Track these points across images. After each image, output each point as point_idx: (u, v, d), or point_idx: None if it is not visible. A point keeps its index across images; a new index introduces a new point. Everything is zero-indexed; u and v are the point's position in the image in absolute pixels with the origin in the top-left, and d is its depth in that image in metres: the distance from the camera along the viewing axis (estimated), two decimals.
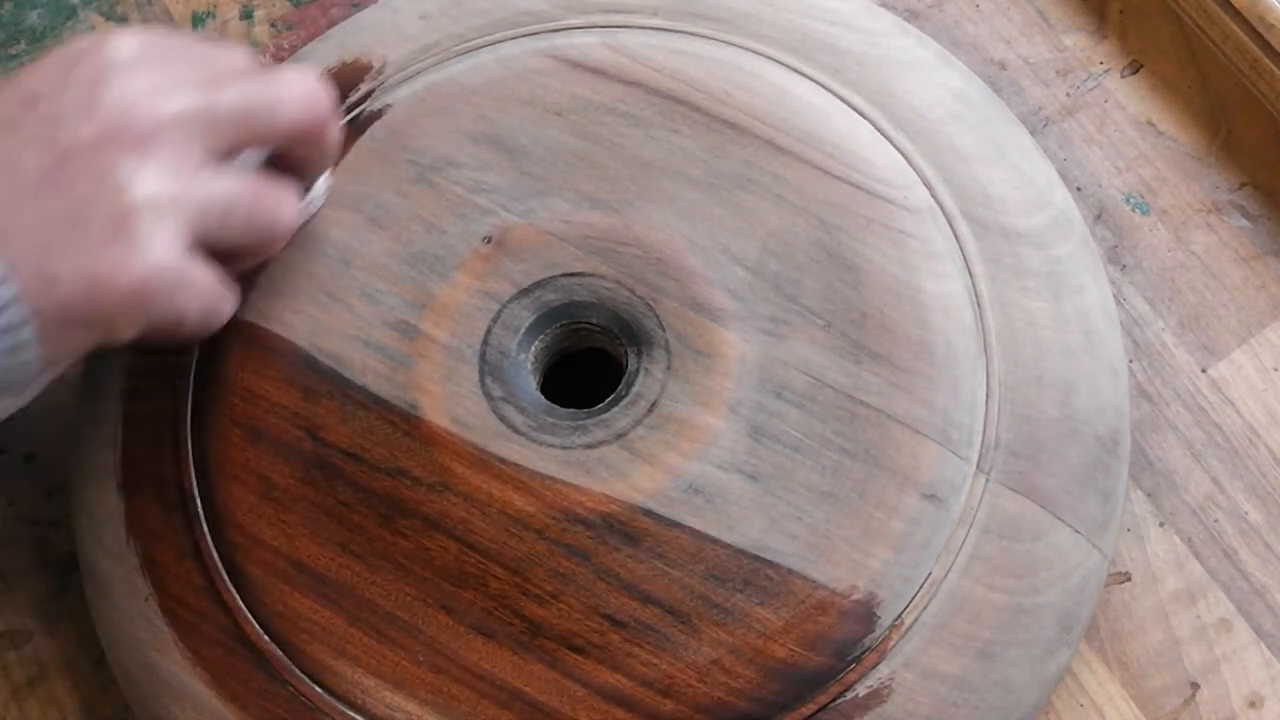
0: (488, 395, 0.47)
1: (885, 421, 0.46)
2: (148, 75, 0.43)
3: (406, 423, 0.47)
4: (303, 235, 0.49)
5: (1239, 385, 0.52)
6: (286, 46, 0.60)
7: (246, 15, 0.61)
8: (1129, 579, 0.49)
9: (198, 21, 0.61)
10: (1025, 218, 0.49)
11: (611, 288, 0.48)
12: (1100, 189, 0.55)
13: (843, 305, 0.47)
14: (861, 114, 0.50)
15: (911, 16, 0.58)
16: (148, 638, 0.47)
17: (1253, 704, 0.48)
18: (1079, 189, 0.55)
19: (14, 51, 0.61)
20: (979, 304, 0.47)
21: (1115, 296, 0.52)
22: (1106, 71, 0.57)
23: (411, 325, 0.48)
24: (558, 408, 0.47)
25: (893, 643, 0.44)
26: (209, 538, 0.47)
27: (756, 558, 0.44)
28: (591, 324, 0.48)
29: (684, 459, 0.45)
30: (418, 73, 0.52)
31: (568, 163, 0.50)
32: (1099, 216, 0.55)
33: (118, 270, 0.41)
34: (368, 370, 0.47)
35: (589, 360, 0.50)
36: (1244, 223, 0.54)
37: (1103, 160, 0.56)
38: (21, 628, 0.52)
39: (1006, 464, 0.46)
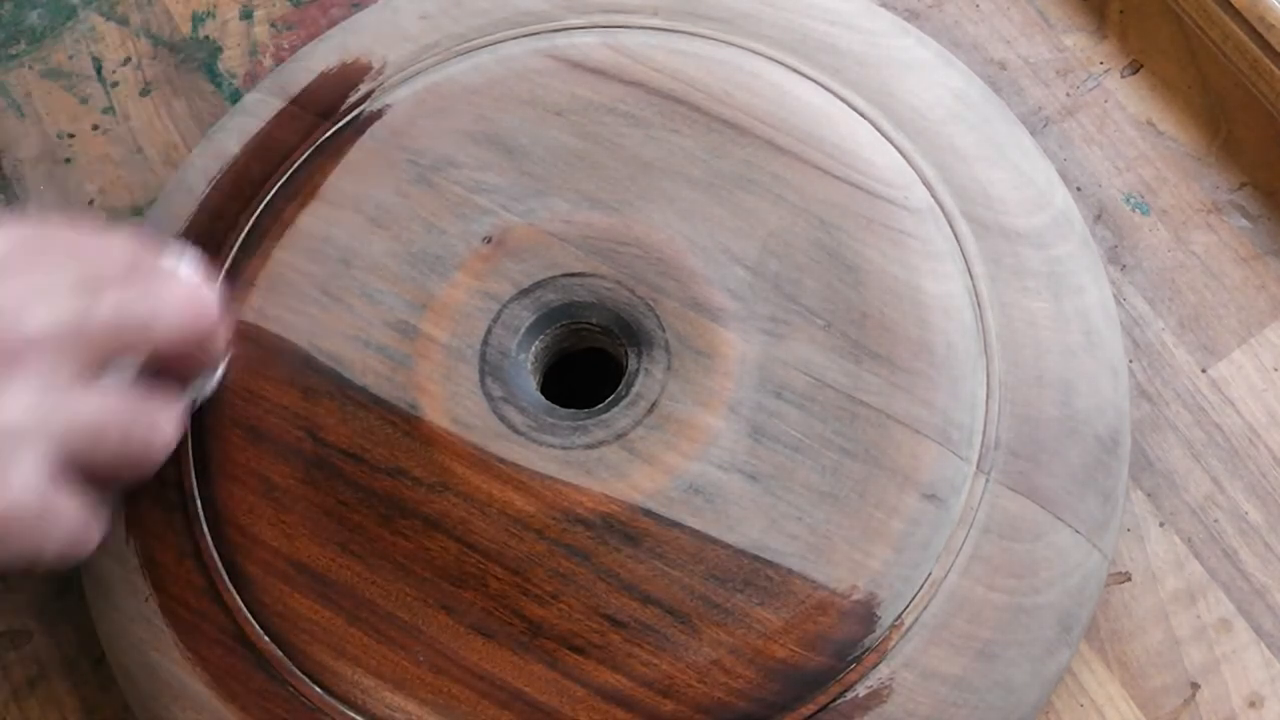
0: (488, 395, 0.47)
1: (885, 421, 0.46)
2: (17, 283, 0.40)
3: (406, 423, 0.47)
4: (302, 235, 0.49)
5: (1239, 385, 0.52)
6: (286, 46, 0.60)
7: (246, 15, 0.61)
8: (1129, 579, 0.49)
9: (198, 21, 0.61)
10: (1025, 218, 0.49)
11: (611, 288, 0.48)
12: (1100, 189, 0.55)
13: (843, 305, 0.47)
14: (861, 114, 0.50)
15: (911, 16, 0.58)
16: (148, 637, 0.47)
17: (1253, 704, 0.48)
18: (1079, 189, 0.55)
19: (14, 51, 0.61)
20: (979, 304, 0.47)
21: (1115, 296, 0.52)
22: (1106, 71, 0.57)
23: (411, 325, 0.48)
24: (558, 408, 0.47)
25: (893, 643, 0.44)
26: (209, 538, 0.47)
27: (756, 558, 0.44)
28: (591, 324, 0.48)
29: (684, 459, 0.46)
30: (418, 73, 0.52)
31: (568, 163, 0.50)
32: (1099, 216, 0.54)
33: None
34: (368, 370, 0.48)
35: (589, 360, 0.50)
36: (1244, 223, 0.54)
37: (1103, 160, 0.56)
38: (21, 628, 0.52)
39: (1006, 464, 0.46)
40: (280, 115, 0.53)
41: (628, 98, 0.50)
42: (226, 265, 0.50)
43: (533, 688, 0.44)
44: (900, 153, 0.49)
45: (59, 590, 0.52)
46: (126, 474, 0.45)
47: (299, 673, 0.45)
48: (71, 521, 0.42)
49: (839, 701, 0.44)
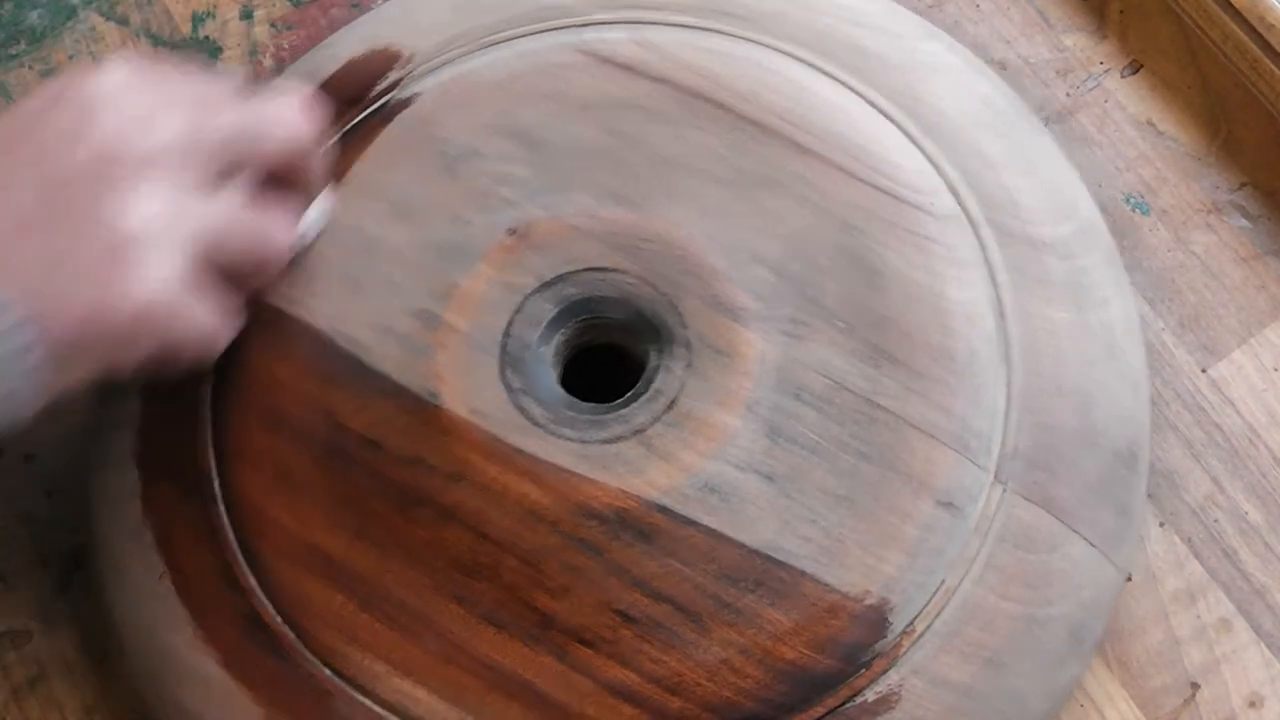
0: (507, 387, 0.47)
1: (903, 427, 0.46)
2: (136, 104, 0.43)
3: (425, 411, 0.47)
4: (327, 222, 0.49)
5: (1239, 385, 0.52)
6: (286, 47, 0.60)
7: (246, 15, 0.61)
8: (1129, 579, 0.49)
9: (198, 21, 0.60)
10: (1051, 227, 0.49)
11: (634, 283, 0.48)
12: (1100, 189, 0.55)
13: (864, 309, 0.47)
14: (888, 117, 0.50)
15: None
16: (161, 616, 0.47)
17: (1253, 704, 0.48)
18: None
19: (14, 51, 0.61)
20: (1001, 312, 0.47)
21: None
22: (1106, 71, 0.57)
23: (433, 314, 0.48)
24: (577, 401, 0.47)
25: (904, 649, 0.44)
26: (225, 519, 0.47)
27: (769, 558, 0.44)
28: (613, 319, 0.48)
29: (700, 457, 0.46)
30: (446, 63, 0.52)
31: (592, 157, 0.50)
32: None
33: (117, 300, 0.41)
34: (388, 358, 0.48)
35: (609, 355, 0.50)
36: (1244, 223, 0.54)
37: (1103, 160, 0.55)
38: (21, 628, 0.52)
39: (1023, 474, 0.46)
40: None
41: (654, 94, 0.50)
42: None
43: (541, 680, 0.44)
44: (927, 158, 0.49)
45: (59, 590, 0.52)
46: (248, 278, 0.47)
47: (310, 655, 0.45)
48: (203, 320, 0.44)
49: (847, 705, 0.44)
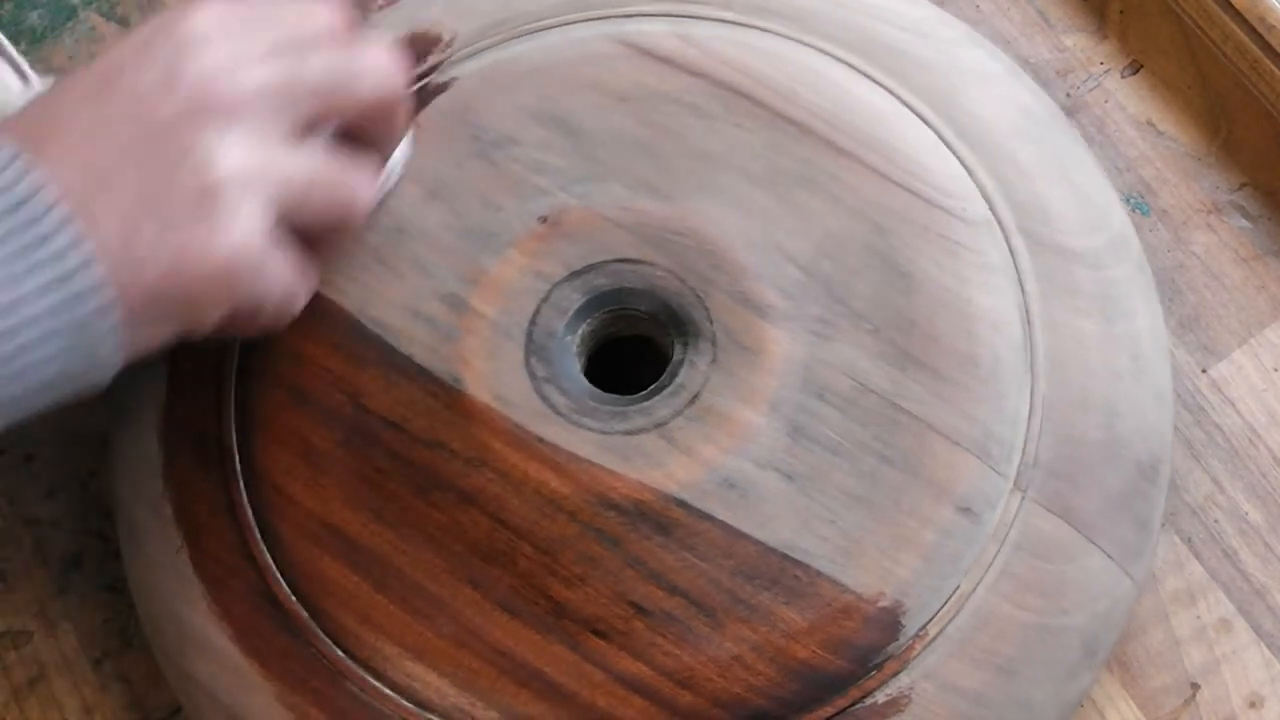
0: (531, 375, 0.47)
1: (925, 431, 0.46)
2: (229, 46, 0.42)
3: (448, 396, 0.47)
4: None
5: (1239, 385, 0.52)
6: None
7: None
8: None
9: None
10: (1082, 237, 0.49)
11: (662, 276, 0.48)
12: None
13: (892, 311, 0.47)
14: (926, 122, 0.50)
15: None
16: (177, 589, 0.47)
17: (1253, 704, 0.48)
18: None
19: None
20: (1029, 320, 0.47)
21: None
22: (1106, 71, 0.57)
23: (461, 299, 0.48)
24: (600, 392, 0.47)
25: (915, 653, 0.44)
26: (244, 494, 0.47)
27: (786, 557, 0.44)
28: (640, 311, 0.48)
29: (721, 453, 0.45)
30: (486, 48, 0.52)
31: (628, 149, 0.50)
32: None
33: (203, 248, 0.41)
34: (414, 341, 0.48)
35: (634, 347, 0.50)
36: (1244, 223, 0.54)
37: (1103, 160, 0.55)
38: (21, 628, 0.52)
39: (1044, 483, 0.46)
40: None
41: (693, 88, 0.50)
42: None
43: (553, 668, 0.44)
44: (961, 163, 0.49)
45: (59, 590, 0.53)
46: (328, 232, 0.46)
47: (322, 635, 0.46)
48: (287, 273, 0.44)
49: (857, 707, 0.44)
